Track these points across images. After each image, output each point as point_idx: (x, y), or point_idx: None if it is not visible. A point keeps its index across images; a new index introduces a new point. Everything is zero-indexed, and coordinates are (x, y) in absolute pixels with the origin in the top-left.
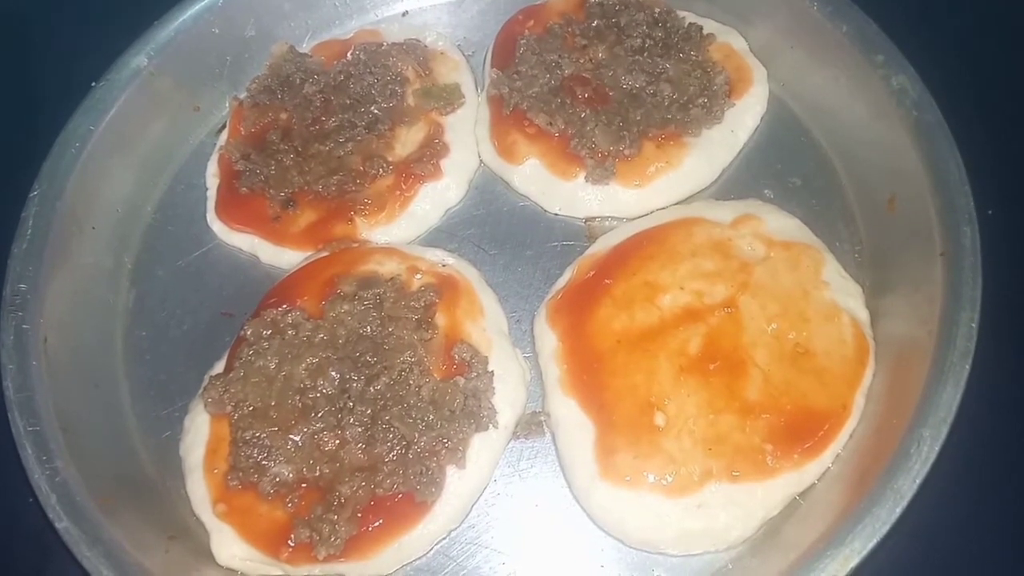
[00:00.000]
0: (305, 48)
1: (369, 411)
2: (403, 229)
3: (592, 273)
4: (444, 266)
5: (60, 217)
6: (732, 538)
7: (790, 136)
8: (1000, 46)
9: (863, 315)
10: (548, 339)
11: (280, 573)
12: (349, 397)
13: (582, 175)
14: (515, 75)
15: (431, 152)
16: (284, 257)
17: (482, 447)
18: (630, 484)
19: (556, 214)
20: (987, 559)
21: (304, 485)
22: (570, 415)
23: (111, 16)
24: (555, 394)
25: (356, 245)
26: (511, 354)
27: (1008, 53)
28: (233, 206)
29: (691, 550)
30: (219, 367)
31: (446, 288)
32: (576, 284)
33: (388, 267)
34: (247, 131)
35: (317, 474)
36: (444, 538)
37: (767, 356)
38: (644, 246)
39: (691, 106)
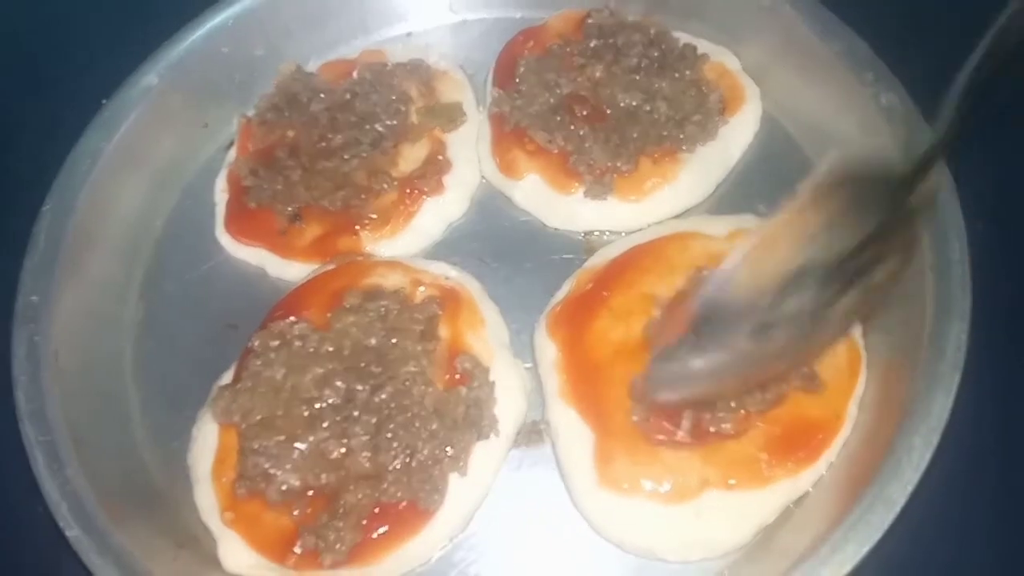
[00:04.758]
0: (312, 67)
1: (374, 420)
2: (407, 243)
3: (590, 285)
4: (447, 279)
5: (71, 231)
6: (729, 545)
7: (782, 152)
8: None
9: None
10: (548, 349)
11: None
12: (354, 407)
13: (581, 190)
14: (516, 94)
15: (434, 168)
16: (291, 270)
17: (484, 455)
18: (628, 491)
19: (556, 228)
20: (979, 565)
21: (310, 493)
22: (569, 424)
23: (122, 35)
24: (554, 403)
25: (361, 258)
26: (512, 364)
27: (1001, 62)
28: (241, 220)
29: (689, 557)
30: (227, 378)
31: (448, 300)
32: (575, 296)
33: (392, 280)
34: (255, 148)
35: (323, 482)
36: (446, 545)
37: None
38: (641, 259)
39: (686, 123)
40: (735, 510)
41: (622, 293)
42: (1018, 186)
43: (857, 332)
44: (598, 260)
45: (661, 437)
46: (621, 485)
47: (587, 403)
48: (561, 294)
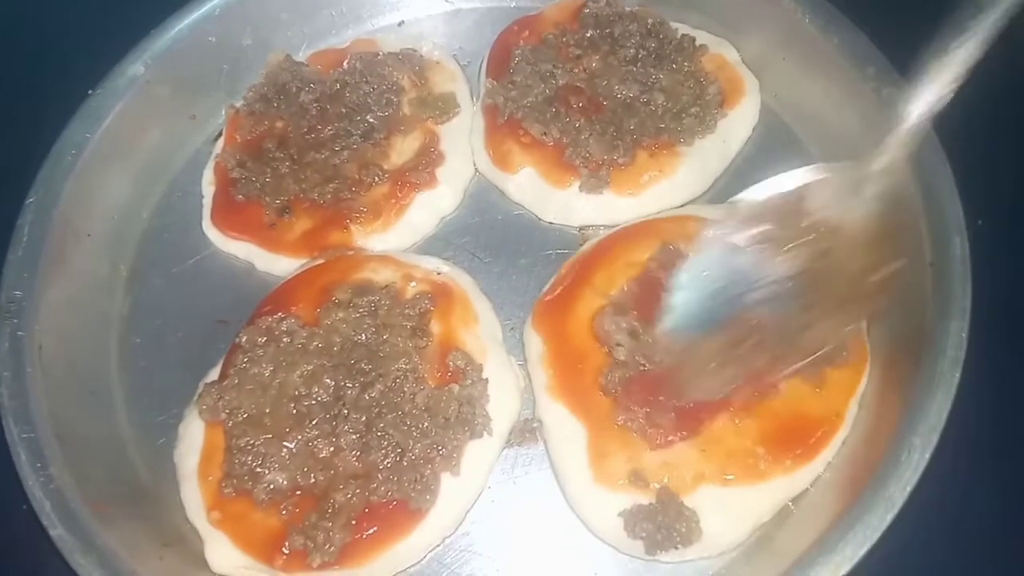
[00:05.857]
0: (301, 57)
1: (364, 418)
2: (398, 237)
3: (574, 270)
4: (439, 274)
5: (56, 224)
6: (724, 543)
7: (782, 146)
8: (989, 57)
9: (861, 322)
10: (534, 344)
11: None
12: (344, 404)
13: (576, 184)
14: (510, 85)
15: (426, 161)
16: (279, 264)
17: (476, 454)
18: (623, 488)
19: (550, 223)
20: (977, 565)
21: (298, 492)
22: (560, 421)
23: (108, 24)
24: (544, 400)
25: (351, 253)
26: (505, 361)
27: (997, 63)
28: (229, 213)
29: (684, 556)
30: (214, 374)
31: (441, 296)
32: (558, 285)
33: (383, 275)
34: (243, 139)
35: (312, 481)
36: (438, 545)
37: None
38: (633, 235)
39: (684, 115)
40: (731, 507)
41: (606, 267)
42: (1019, 183)
43: (863, 328)
44: (586, 248)
45: (657, 441)
46: (616, 481)
47: (575, 397)
48: (548, 286)
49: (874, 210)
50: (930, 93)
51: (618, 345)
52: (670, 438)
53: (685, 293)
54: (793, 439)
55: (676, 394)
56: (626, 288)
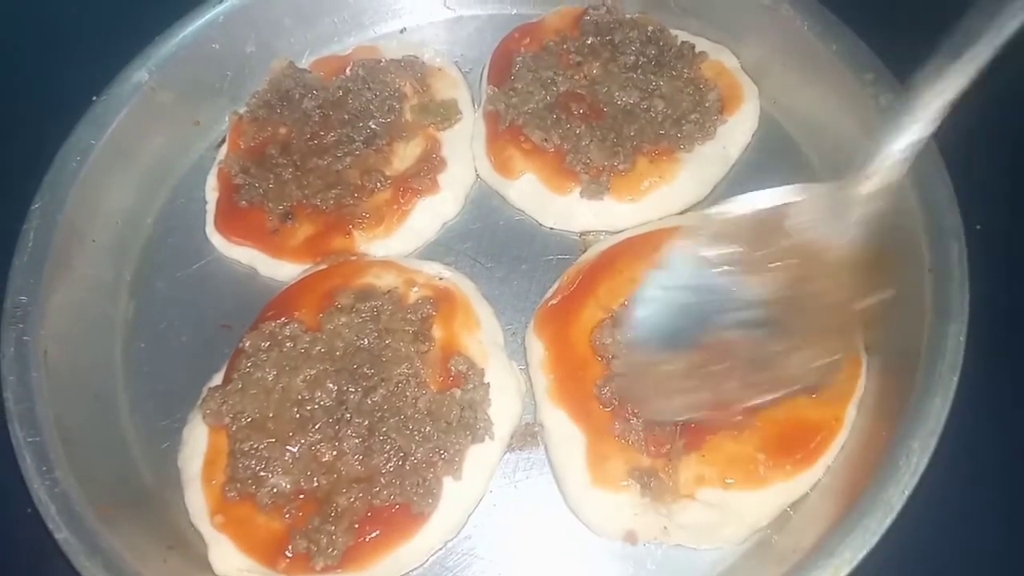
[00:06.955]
0: (304, 64)
1: (366, 423)
2: (400, 242)
3: (578, 279)
4: (441, 279)
5: (61, 230)
6: (724, 536)
7: (781, 152)
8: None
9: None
10: (536, 349)
11: None
12: (346, 409)
13: (577, 190)
14: (511, 91)
15: (428, 167)
16: (282, 270)
17: (478, 458)
18: (623, 489)
19: (551, 228)
20: (976, 568)
21: (301, 496)
22: (560, 425)
23: (113, 31)
24: (544, 404)
25: (354, 258)
26: (507, 366)
27: (994, 69)
28: (232, 219)
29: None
30: (217, 379)
31: (443, 301)
32: (561, 291)
33: (385, 280)
34: (246, 145)
35: (315, 485)
36: (440, 549)
37: None
38: (634, 247)
39: (684, 122)
40: (731, 510)
41: (610, 280)
42: (1016, 188)
43: (857, 335)
44: (589, 255)
45: (657, 452)
46: (616, 483)
47: (575, 403)
48: (550, 292)
49: (860, 235)
50: (923, 116)
51: (614, 358)
52: (668, 448)
53: (651, 307)
54: (794, 444)
55: (642, 412)
56: (627, 303)
